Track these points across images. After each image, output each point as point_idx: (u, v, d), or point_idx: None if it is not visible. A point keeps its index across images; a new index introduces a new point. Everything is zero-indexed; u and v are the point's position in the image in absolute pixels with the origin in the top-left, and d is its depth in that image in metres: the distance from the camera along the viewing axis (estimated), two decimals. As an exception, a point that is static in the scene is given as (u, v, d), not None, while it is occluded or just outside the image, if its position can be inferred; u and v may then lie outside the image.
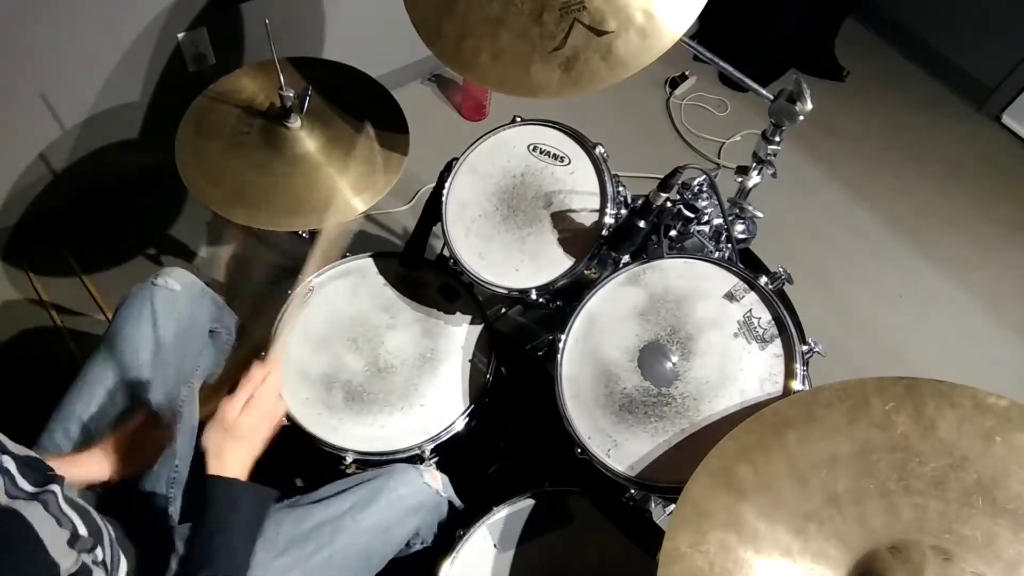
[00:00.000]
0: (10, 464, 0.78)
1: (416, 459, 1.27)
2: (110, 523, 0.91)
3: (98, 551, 0.83)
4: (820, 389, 1.02)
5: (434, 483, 1.18)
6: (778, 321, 1.15)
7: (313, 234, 1.69)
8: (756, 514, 0.87)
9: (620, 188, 1.37)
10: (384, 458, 1.26)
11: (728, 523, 0.87)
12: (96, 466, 1.03)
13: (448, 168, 1.41)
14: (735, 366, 1.14)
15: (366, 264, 1.47)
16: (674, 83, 2.64)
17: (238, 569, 0.89)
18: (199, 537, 0.89)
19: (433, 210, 1.43)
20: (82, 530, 0.81)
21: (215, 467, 0.92)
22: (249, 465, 0.96)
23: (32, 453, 0.89)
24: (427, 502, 1.17)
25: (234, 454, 0.94)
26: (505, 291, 1.31)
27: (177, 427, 1.17)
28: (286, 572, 1.05)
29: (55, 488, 0.82)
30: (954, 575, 0.79)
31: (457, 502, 1.24)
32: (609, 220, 1.30)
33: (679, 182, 1.21)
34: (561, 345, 1.24)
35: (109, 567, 0.84)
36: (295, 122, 1.40)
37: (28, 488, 0.78)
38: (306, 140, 1.41)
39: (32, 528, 0.73)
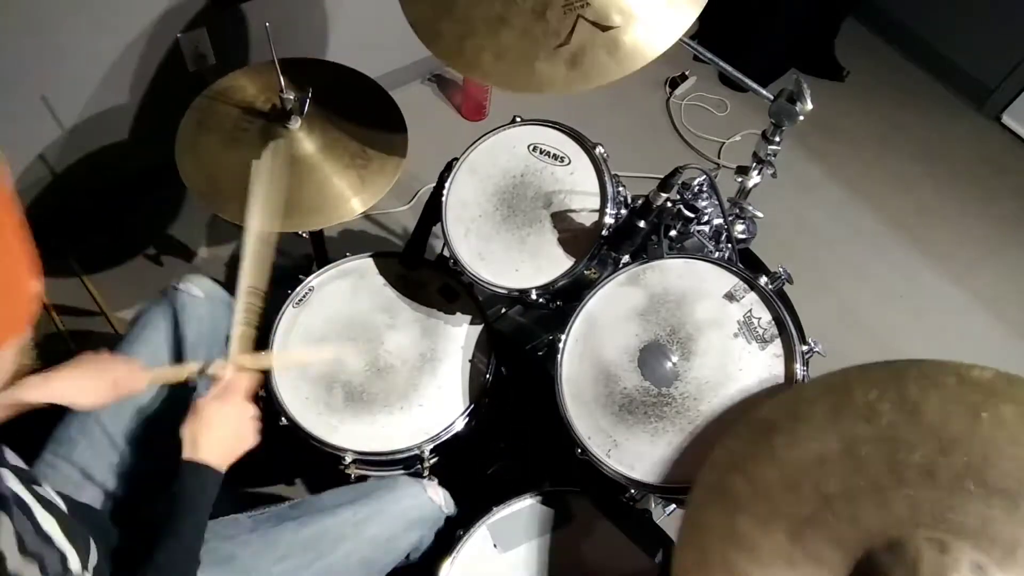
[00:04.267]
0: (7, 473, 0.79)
1: (416, 459, 1.27)
2: (84, 515, 0.92)
3: (72, 561, 0.83)
4: (803, 386, 1.02)
5: (436, 498, 1.19)
6: (778, 321, 1.15)
7: (313, 234, 1.70)
8: (753, 524, 0.87)
9: (620, 188, 1.37)
10: (384, 458, 1.26)
11: (727, 537, 0.87)
12: (61, 387, 1.01)
13: (448, 168, 1.41)
14: (735, 366, 1.14)
15: (366, 264, 1.47)
16: (674, 83, 2.64)
17: (196, 543, 0.93)
18: (172, 512, 0.92)
19: (433, 210, 1.43)
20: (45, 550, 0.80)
21: (188, 453, 0.95)
22: (222, 453, 0.97)
23: (20, 464, 0.88)
24: (429, 516, 1.18)
25: (208, 442, 0.96)
26: (505, 291, 1.31)
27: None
28: None
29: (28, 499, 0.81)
30: (951, 565, 0.79)
31: (453, 512, 1.24)
32: (609, 220, 1.30)
33: (679, 182, 1.21)
34: (561, 345, 1.24)
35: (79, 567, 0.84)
36: (295, 124, 1.40)
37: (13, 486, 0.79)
38: (304, 141, 1.41)
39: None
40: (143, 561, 0.88)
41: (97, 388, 1.02)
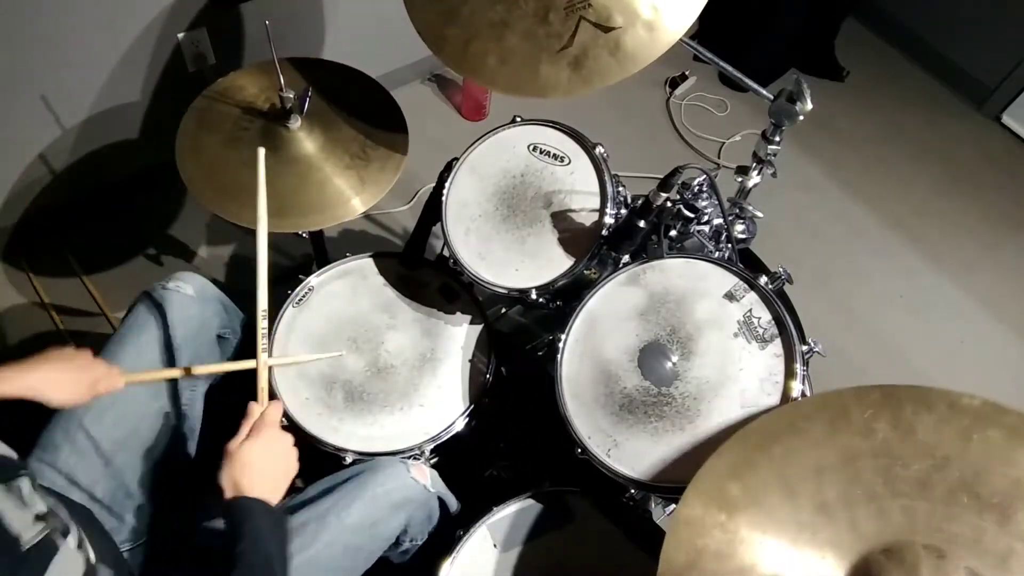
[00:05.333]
0: None
1: (415, 459, 1.27)
2: (79, 518, 0.91)
3: (70, 538, 0.82)
4: (799, 403, 1.04)
5: (421, 478, 1.16)
6: (778, 321, 1.15)
7: (313, 234, 1.70)
8: (749, 528, 0.87)
9: (620, 188, 1.37)
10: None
11: (722, 540, 0.87)
12: (33, 382, 0.97)
13: (448, 168, 1.41)
14: (735, 366, 1.14)
15: (366, 264, 1.47)
16: (674, 83, 2.64)
17: None
18: (234, 562, 0.86)
19: (433, 210, 1.43)
20: (42, 509, 0.80)
21: (230, 496, 0.90)
22: (270, 490, 0.93)
23: (9, 452, 0.88)
24: (414, 497, 1.15)
25: (251, 483, 0.91)
26: (505, 291, 1.31)
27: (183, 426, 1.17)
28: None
29: (23, 482, 0.81)
30: (949, 572, 0.80)
31: (450, 499, 1.23)
32: (609, 220, 1.30)
33: (679, 182, 1.21)
34: (561, 345, 1.24)
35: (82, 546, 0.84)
36: (295, 123, 1.40)
37: None
38: (305, 141, 1.41)
39: None
40: None
41: (72, 385, 1.00)
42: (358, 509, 1.10)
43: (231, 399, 1.20)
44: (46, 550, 0.77)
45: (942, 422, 0.87)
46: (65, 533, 0.82)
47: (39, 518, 0.79)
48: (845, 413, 0.91)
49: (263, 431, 0.96)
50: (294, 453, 0.99)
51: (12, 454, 0.88)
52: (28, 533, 0.76)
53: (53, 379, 0.99)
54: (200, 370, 1.17)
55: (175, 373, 1.15)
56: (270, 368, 1.10)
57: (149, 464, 1.14)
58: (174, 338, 1.21)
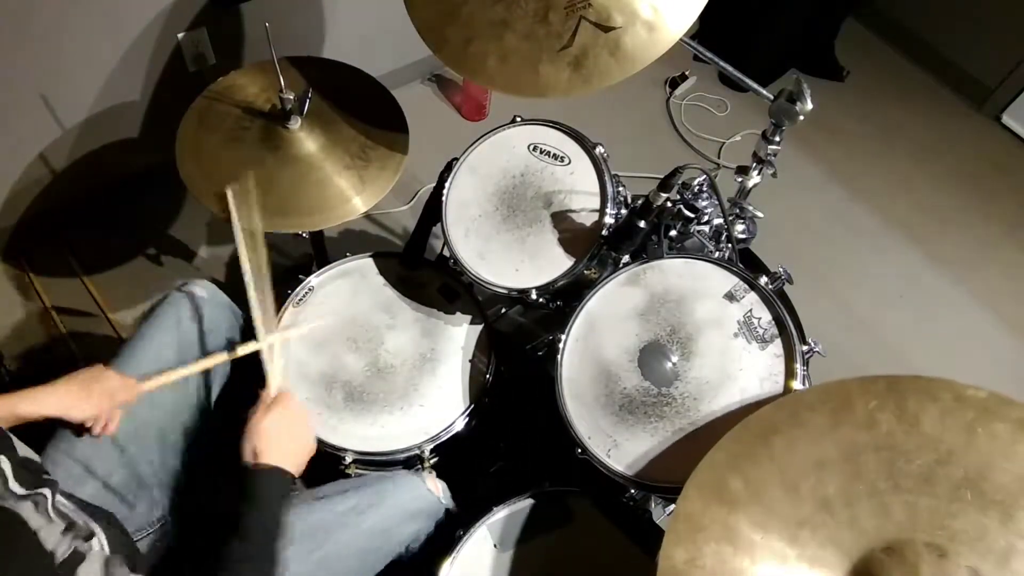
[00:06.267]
0: (6, 465, 0.81)
1: (416, 459, 1.27)
2: (100, 521, 0.93)
3: (94, 541, 0.86)
4: (803, 392, 1.03)
5: (435, 490, 1.19)
6: (778, 321, 1.15)
7: (313, 234, 1.69)
8: (750, 524, 0.87)
9: (620, 188, 1.37)
10: (384, 458, 1.26)
11: (723, 535, 0.87)
12: (53, 401, 1.01)
13: (448, 168, 1.41)
14: (735, 366, 1.14)
15: (366, 264, 1.47)
16: (674, 83, 2.64)
17: (268, 547, 0.91)
18: (238, 514, 0.90)
19: (433, 210, 1.43)
20: (69, 518, 0.85)
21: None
22: (290, 462, 0.97)
23: (32, 455, 0.90)
24: (427, 508, 1.18)
25: (271, 454, 0.95)
26: (505, 291, 1.31)
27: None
28: (284, 566, 1.05)
29: (46, 492, 0.84)
30: (950, 571, 0.80)
31: (454, 509, 1.24)
32: (609, 220, 1.30)
33: (679, 182, 1.21)
34: (561, 345, 1.24)
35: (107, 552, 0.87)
36: (295, 123, 1.40)
37: (19, 491, 0.81)
38: (305, 141, 1.41)
39: (26, 523, 0.77)
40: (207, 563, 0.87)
41: (89, 400, 1.03)
42: (374, 515, 1.12)
43: (241, 402, 1.21)
44: (74, 560, 0.81)
45: (947, 414, 0.86)
46: (88, 537, 0.85)
47: (67, 529, 0.83)
48: (848, 404, 0.90)
49: (283, 402, 1.01)
50: (312, 431, 1.04)
51: (35, 456, 0.90)
52: (60, 548, 0.80)
53: (69, 396, 1.02)
54: (209, 363, 1.17)
55: (185, 372, 1.15)
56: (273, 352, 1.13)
57: (162, 454, 1.16)
58: (188, 339, 1.23)
